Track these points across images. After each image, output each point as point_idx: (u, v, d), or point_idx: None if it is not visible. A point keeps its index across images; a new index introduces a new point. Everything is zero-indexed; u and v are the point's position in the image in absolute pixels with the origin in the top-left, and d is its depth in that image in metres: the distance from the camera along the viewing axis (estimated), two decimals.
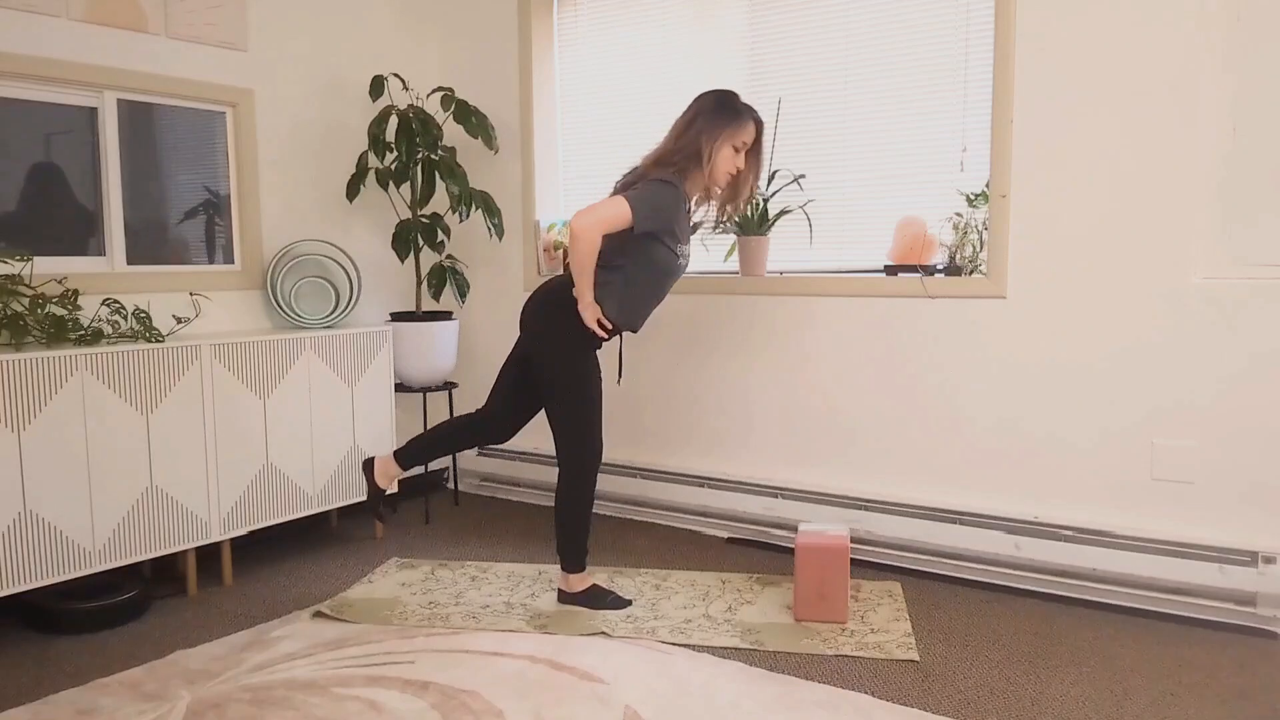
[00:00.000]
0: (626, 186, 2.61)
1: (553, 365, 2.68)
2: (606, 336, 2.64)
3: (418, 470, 4.02)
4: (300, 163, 3.57)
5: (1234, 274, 2.63)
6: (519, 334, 2.78)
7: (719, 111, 2.60)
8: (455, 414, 4.12)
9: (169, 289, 3.15)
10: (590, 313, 2.58)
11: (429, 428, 3.13)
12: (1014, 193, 2.90)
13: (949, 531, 3.02)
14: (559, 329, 2.65)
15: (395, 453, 2.93)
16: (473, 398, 4.23)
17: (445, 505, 4.00)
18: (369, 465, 2.97)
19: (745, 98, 2.70)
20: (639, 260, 2.60)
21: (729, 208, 2.74)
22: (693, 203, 2.72)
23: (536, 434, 3.99)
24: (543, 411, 2.82)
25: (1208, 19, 2.60)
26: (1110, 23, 2.72)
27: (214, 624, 2.70)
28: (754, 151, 2.67)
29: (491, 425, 2.90)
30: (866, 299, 3.19)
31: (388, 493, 2.98)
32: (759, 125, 2.66)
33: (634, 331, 2.74)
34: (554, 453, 2.94)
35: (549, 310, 2.68)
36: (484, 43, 4.06)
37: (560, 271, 3.91)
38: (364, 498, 3.41)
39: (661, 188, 2.55)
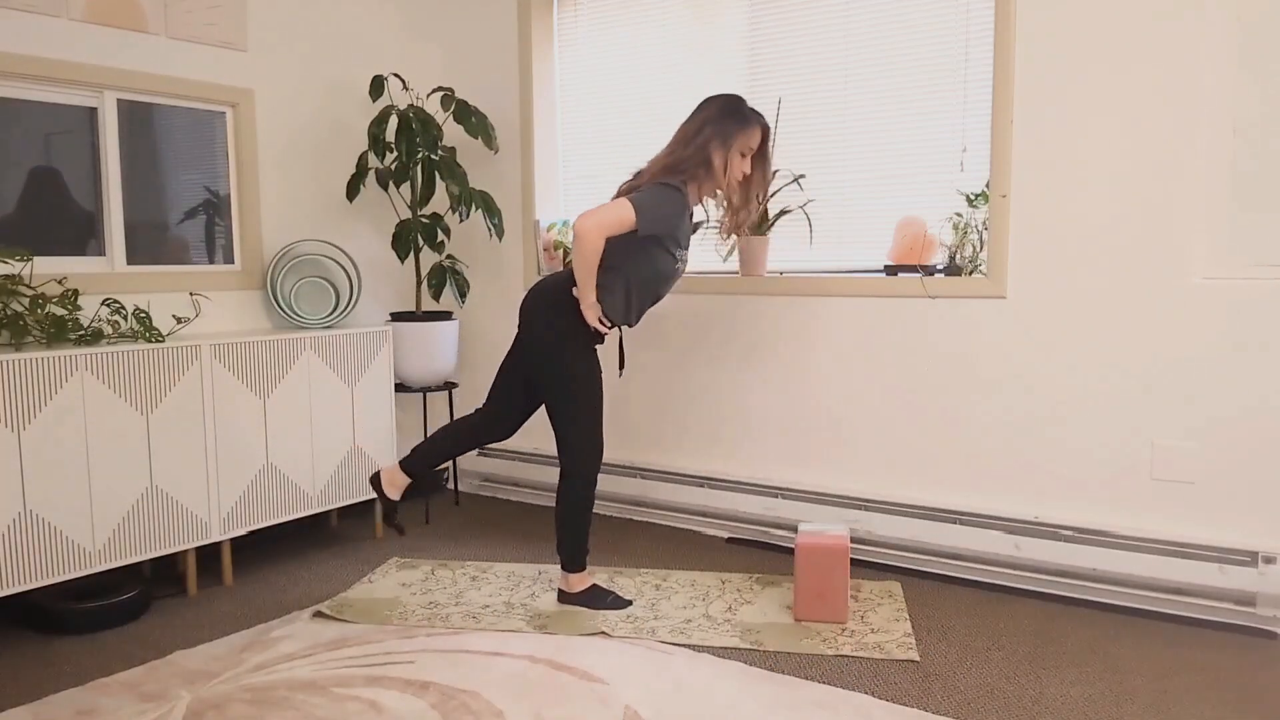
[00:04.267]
0: (630, 190, 2.62)
1: (553, 366, 2.69)
2: (607, 332, 2.66)
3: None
4: (300, 163, 3.57)
5: (1235, 274, 2.63)
6: (518, 332, 2.79)
7: (727, 118, 2.61)
8: (455, 414, 4.13)
9: (169, 289, 3.15)
10: (592, 313, 2.60)
11: (431, 433, 3.11)
12: (1014, 193, 2.90)
13: (949, 531, 3.02)
14: (559, 329, 2.66)
15: (400, 462, 2.93)
16: (473, 398, 4.23)
17: (445, 505, 4.00)
18: (376, 479, 2.95)
19: (746, 97, 2.70)
20: (639, 263, 2.62)
21: (741, 214, 2.74)
22: (695, 208, 2.73)
23: (537, 434, 4.00)
24: (543, 411, 2.82)
25: (1207, 19, 2.60)
26: (1110, 22, 2.72)
27: (214, 624, 2.70)
28: (760, 156, 2.69)
29: (492, 424, 2.90)
30: (866, 299, 3.19)
31: (399, 501, 2.95)
32: (765, 130, 2.67)
33: (630, 327, 2.76)
34: (554, 453, 2.94)
35: (548, 310, 2.68)
36: (484, 43, 4.06)
37: (558, 270, 3.93)
38: (364, 497, 3.42)
39: (667, 192, 2.56)
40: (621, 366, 2.99)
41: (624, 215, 2.50)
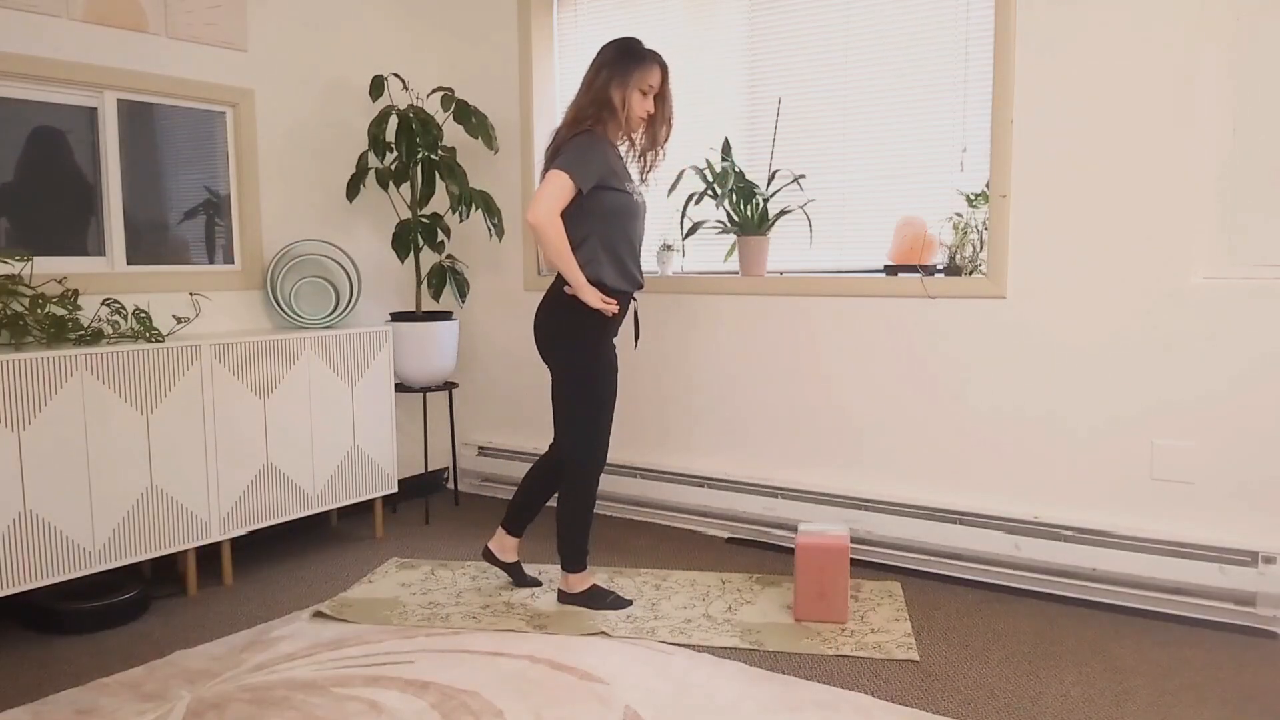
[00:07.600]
0: (555, 153, 2.66)
1: (563, 367, 2.69)
2: (618, 309, 2.66)
3: (418, 470, 4.04)
4: (300, 163, 3.57)
5: (1234, 274, 2.63)
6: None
7: (623, 59, 2.66)
8: (455, 414, 4.14)
9: (169, 289, 3.15)
10: (593, 295, 2.59)
11: (516, 489, 3.06)
12: (1014, 193, 2.90)
13: (949, 531, 3.02)
14: (563, 331, 2.67)
15: (501, 525, 2.95)
16: (473, 398, 4.23)
17: (445, 505, 4.00)
18: (488, 553, 2.97)
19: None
20: (598, 217, 2.63)
21: (649, 156, 2.79)
22: (619, 148, 2.75)
23: (536, 434, 4.00)
24: (546, 411, 2.82)
25: (1207, 19, 2.60)
26: (1110, 22, 2.72)
27: (214, 624, 2.70)
28: (661, 95, 2.73)
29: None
30: (866, 299, 3.19)
31: (516, 562, 2.97)
32: (664, 68, 2.71)
33: (640, 288, 2.77)
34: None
35: (551, 323, 2.70)
36: (484, 43, 4.06)
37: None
38: (364, 497, 3.42)
39: (581, 139, 2.61)
40: (637, 338, 3.01)
41: (560, 183, 2.55)
